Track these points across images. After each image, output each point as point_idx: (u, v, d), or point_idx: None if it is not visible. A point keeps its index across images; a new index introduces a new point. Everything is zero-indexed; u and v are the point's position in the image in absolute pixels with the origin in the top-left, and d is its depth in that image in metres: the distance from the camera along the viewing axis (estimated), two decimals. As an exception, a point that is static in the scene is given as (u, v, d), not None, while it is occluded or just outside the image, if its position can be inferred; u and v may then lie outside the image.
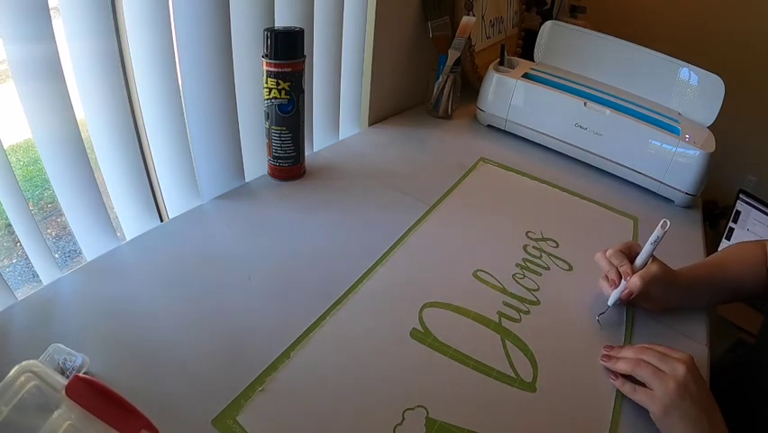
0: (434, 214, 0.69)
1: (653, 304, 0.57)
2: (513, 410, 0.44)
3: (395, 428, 0.41)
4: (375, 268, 0.58)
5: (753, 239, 1.09)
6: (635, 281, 0.53)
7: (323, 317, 0.50)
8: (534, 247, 0.66)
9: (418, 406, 0.43)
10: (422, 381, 0.46)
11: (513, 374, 0.48)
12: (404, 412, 0.42)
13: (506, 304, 0.56)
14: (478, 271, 0.60)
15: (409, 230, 0.65)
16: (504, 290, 0.58)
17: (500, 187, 0.80)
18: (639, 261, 0.55)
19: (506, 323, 0.53)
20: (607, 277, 0.56)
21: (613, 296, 0.55)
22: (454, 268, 0.60)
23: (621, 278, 0.54)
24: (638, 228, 0.75)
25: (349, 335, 0.49)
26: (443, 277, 0.58)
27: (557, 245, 0.67)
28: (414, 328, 0.51)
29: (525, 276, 0.61)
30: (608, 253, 0.56)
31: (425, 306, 0.54)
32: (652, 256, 0.55)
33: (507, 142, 0.94)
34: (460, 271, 0.60)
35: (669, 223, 0.52)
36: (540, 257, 0.64)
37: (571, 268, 0.64)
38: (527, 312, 0.56)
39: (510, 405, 0.45)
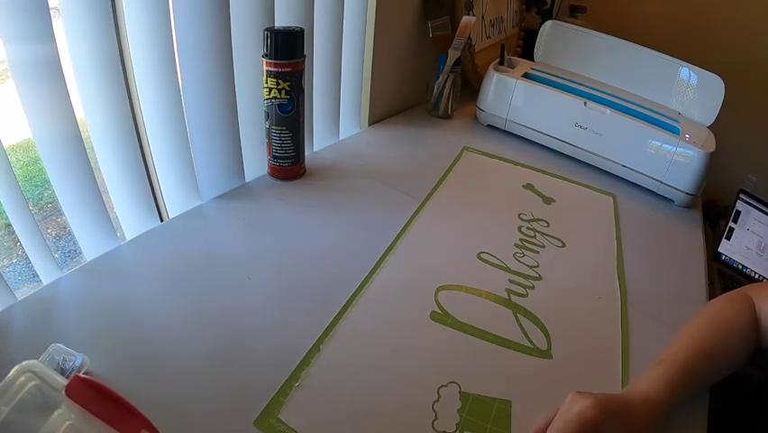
0: (429, 204, 0.72)
1: None
2: (536, 377, 0.48)
3: (433, 405, 0.43)
4: (384, 259, 0.60)
5: (753, 240, 1.09)
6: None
7: (344, 309, 0.52)
8: (528, 228, 0.70)
9: (451, 382, 0.46)
10: (449, 359, 0.48)
11: (529, 344, 0.51)
12: (438, 390, 0.45)
13: (512, 282, 0.60)
14: (481, 253, 0.63)
15: (409, 222, 0.67)
16: (508, 269, 0.61)
17: (487, 173, 0.84)
18: None
19: (515, 298, 0.57)
20: None
21: None
22: (459, 252, 0.63)
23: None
24: (618, 205, 0.80)
25: (373, 323, 0.51)
26: (450, 261, 0.61)
27: (548, 225, 0.72)
28: (433, 311, 0.53)
29: (524, 255, 0.65)
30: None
31: (439, 289, 0.56)
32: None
33: (507, 141, 0.94)
34: (465, 254, 0.63)
35: None
36: (534, 236, 0.69)
37: (563, 244, 0.68)
38: (532, 287, 0.59)
39: (532, 372, 0.48)
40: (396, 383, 0.45)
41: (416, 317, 0.52)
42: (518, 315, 0.55)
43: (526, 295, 0.58)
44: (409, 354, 0.48)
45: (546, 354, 0.50)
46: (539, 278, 0.61)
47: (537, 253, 0.65)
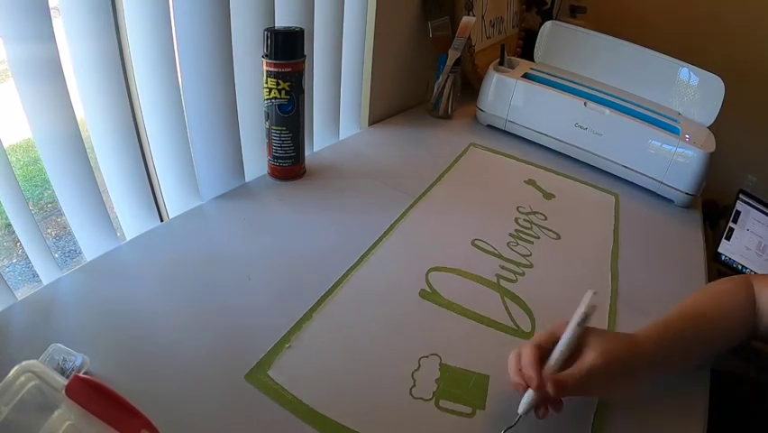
0: (430, 194, 0.74)
1: (599, 395, 0.43)
2: None
3: (413, 373, 0.45)
4: (381, 241, 0.62)
5: (752, 240, 1.09)
6: (546, 390, 0.38)
7: (338, 283, 0.54)
8: (524, 220, 0.72)
9: (432, 354, 0.48)
10: (433, 333, 0.50)
11: (513, 326, 0.53)
12: (419, 360, 0.47)
13: (503, 268, 0.61)
14: (475, 240, 0.65)
15: (408, 209, 0.69)
16: (500, 256, 0.63)
17: (490, 169, 0.85)
18: (555, 353, 0.41)
19: (504, 283, 0.59)
20: (519, 374, 0.41)
21: (524, 401, 0.40)
22: (454, 238, 0.65)
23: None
24: (620, 204, 0.80)
25: (364, 297, 0.53)
26: (444, 246, 0.63)
27: (545, 218, 0.73)
28: (422, 289, 0.55)
29: (518, 244, 0.66)
30: (520, 346, 0.42)
31: (430, 270, 0.58)
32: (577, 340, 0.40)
33: (506, 142, 0.94)
34: (459, 240, 0.65)
35: (598, 294, 0.39)
36: (530, 228, 0.70)
37: (558, 237, 0.69)
38: (522, 274, 0.61)
39: (512, 350, 0.47)
40: (379, 351, 0.47)
41: (405, 294, 0.54)
42: (505, 298, 0.56)
43: (516, 280, 0.59)
44: (395, 326, 0.50)
45: (529, 335, 0.52)
46: (530, 266, 0.62)
47: (531, 243, 0.67)
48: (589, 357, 0.39)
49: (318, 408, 0.41)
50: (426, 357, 0.47)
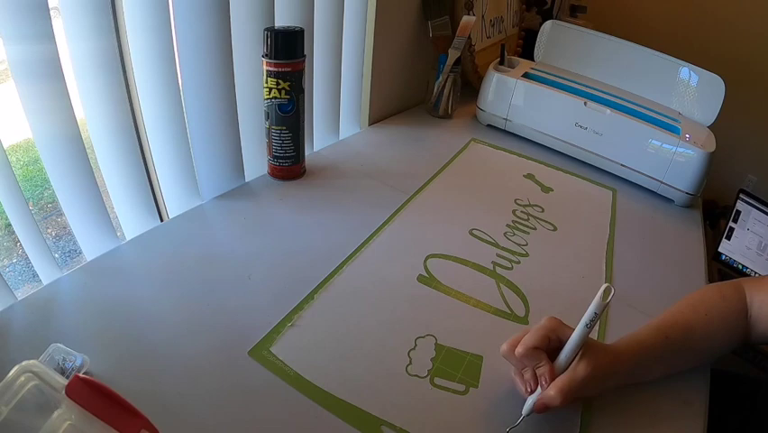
0: (430, 186, 0.76)
1: (585, 396, 0.44)
2: (509, 337, 0.48)
3: (409, 352, 0.47)
4: (381, 229, 0.64)
5: (753, 239, 1.09)
6: (552, 397, 0.39)
7: (339, 267, 0.56)
8: (522, 212, 0.74)
9: (428, 335, 0.50)
10: (430, 315, 0.52)
11: (508, 310, 0.55)
12: (416, 340, 0.49)
13: (499, 256, 0.63)
14: (473, 229, 0.67)
15: (409, 200, 0.71)
16: (497, 245, 0.65)
17: (490, 163, 0.87)
18: (563, 357, 0.41)
19: (499, 270, 0.61)
20: (521, 375, 0.43)
21: (528, 403, 0.41)
22: (452, 228, 0.67)
23: (538, 382, 0.41)
24: (617, 199, 0.81)
25: (364, 280, 0.56)
26: (442, 234, 0.65)
27: (543, 210, 0.75)
28: (420, 274, 0.57)
29: (515, 234, 0.68)
30: (518, 351, 0.41)
31: (428, 257, 0.61)
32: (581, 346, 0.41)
33: (507, 141, 0.94)
34: (457, 230, 0.67)
35: (613, 290, 0.38)
36: (527, 220, 0.72)
37: (555, 228, 0.71)
38: (518, 262, 0.63)
39: (507, 334, 0.48)
40: (378, 331, 0.49)
41: (403, 278, 0.56)
42: (501, 284, 0.58)
43: (512, 268, 0.61)
44: (393, 308, 0.52)
45: (523, 320, 0.54)
46: (526, 255, 0.64)
47: (528, 234, 0.68)
48: (581, 371, 0.40)
49: (318, 382, 0.43)
50: (423, 337, 0.49)
